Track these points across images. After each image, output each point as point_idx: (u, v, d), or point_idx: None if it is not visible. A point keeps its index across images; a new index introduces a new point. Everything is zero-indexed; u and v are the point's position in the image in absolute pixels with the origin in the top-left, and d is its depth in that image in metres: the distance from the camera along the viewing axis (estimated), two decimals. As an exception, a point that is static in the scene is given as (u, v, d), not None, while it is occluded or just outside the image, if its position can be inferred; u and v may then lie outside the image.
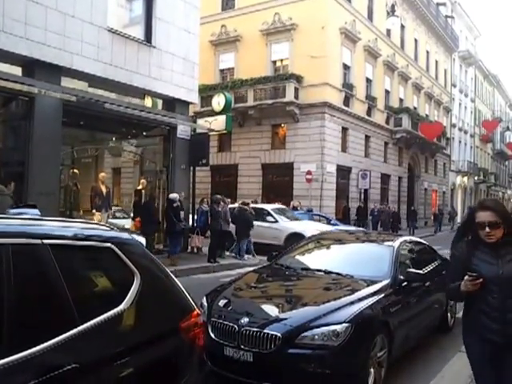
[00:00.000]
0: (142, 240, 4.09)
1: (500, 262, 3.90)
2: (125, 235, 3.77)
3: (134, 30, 17.75)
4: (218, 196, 19.24)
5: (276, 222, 21.67)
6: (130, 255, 3.46)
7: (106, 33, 16.25)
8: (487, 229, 3.88)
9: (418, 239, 10.01)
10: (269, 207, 23.09)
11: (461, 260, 4.08)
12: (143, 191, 19.37)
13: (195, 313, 3.84)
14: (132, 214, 19.14)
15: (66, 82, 15.33)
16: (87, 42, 15.56)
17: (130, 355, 3.12)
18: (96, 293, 3.36)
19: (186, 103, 19.88)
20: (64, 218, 3.89)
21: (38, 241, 2.86)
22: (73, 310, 2.84)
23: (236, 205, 20.94)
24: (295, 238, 17.26)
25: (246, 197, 27.22)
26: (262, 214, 21.54)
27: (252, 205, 21.13)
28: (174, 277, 3.92)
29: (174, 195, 17.46)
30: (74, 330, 2.80)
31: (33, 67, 14.37)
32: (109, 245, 3.36)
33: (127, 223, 19.78)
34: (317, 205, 29.75)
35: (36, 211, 3.47)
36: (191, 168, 20.13)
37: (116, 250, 3.37)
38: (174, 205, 17.10)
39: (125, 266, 3.39)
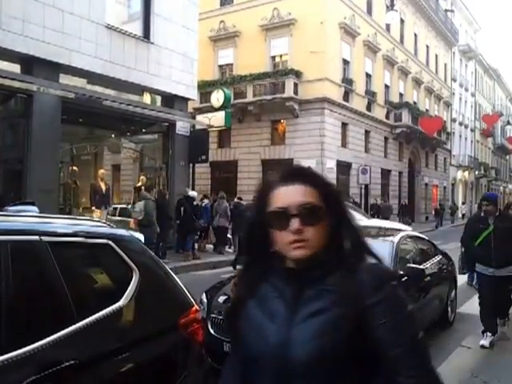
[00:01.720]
0: (141, 237, 4.08)
1: None
2: (123, 232, 3.78)
3: (133, 27, 17.74)
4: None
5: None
6: (129, 252, 3.46)
7: (104, 29, 16.24)
8: None
9: (419, 234, 9.98)
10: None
11: None
12: (143, 188, 19.37)
13: (194, 309, 3.83)
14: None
15: (65, 79, 15.34)
16: (85, 39, 15.56)
17: (129, 351, 3.12)
18: (95, 289, 3.39)
19: (185, 99, 19.87)
20: (62, 215, 3.91)
21: (37, 238, 2.86)
22: (71, 306, 2.83)
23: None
24: None
25: (245, 193, 27.18)
26: None
27: None
28: (172, 273, 3.92)
29: (193, 193, 17.99)
30: (73, 327, 2.80)
31: (31, 64, 14.39)
32: (107, 241, 3.36)
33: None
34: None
35: (35, 208, 3.49)
36: (191, 164, 20.12)
37: (114, 246, 3.37)
38: (194, 203, 17.60)
39: (123, 263, 3.39)
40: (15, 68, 14.27)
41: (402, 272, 7.23)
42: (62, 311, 2.84)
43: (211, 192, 26.48)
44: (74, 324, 2.81)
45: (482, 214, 7.92)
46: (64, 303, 2.83)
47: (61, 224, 3.31)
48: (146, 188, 16.96)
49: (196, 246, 18.57)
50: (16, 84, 13.32)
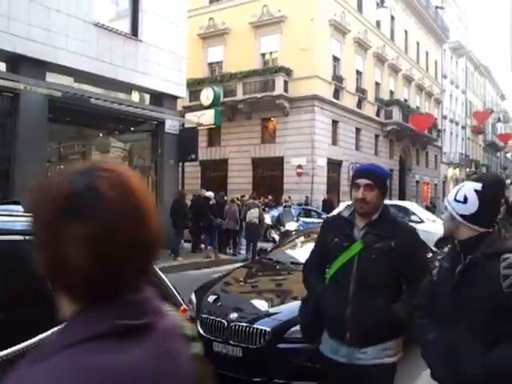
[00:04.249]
0: None
1: None
2: None
3: (120, 24, 17.57)
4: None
5: (422, 222, 18.29)
6: None
7: (91, 27, 16.07)
8: None
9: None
10: (410, 205, 21.27)
11: None
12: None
13: (182, 308, 3.85)
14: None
15: (52, 78, 15.16)
16: (72, 37, 15.38)
17: None
18: None
19: (174, 97, 19.73)
20: None
21: (21, 237, 2.81)
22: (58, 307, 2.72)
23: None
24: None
25: (236, 192, 27.11)
26: (402, 214, 19.01)
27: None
28: (160, 273, 3.93)
29: (209, 193, 18.70)
30: (59, 327, 2.71)
31: (17, 63, 14.22)
32: None
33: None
34: (308, 199, 29.63)
35: (19, 208, 3.44)
36: (180, 163, 20.00)
37: None
38: (211, 202, 18.13)
39: None
40: (1, 66, 14.10)
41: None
42: (48, 312, 2.73)
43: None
44: (61, 325, 2.71)
45: (346, 214, 3.64)
46: (50, 304, 2.69)
47: None
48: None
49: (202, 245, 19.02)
50: (2, 82, 13.17)
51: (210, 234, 17.90)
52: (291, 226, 18.81)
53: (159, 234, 1.16)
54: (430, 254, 8.95)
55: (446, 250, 3.13)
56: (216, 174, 34.39)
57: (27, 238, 2.69)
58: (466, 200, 2.74)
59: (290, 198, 27.09)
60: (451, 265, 2.87)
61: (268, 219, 21.75)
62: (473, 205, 2.71)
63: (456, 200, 2.79)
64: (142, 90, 18.46)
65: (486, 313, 2.62)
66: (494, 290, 2.58)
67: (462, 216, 2.75)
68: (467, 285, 2.71)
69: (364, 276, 3.35)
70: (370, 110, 38.64)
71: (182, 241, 18.38)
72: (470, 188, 2.76)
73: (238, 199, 21.05)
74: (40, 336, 2.66)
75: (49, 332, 2.68)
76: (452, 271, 2.81)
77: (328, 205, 28.50)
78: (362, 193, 3.37)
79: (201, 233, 18.31)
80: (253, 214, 18.30)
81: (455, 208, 2.79)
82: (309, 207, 27.68)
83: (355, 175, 3.54)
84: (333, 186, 33.37)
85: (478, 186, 2.75)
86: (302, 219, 22.76)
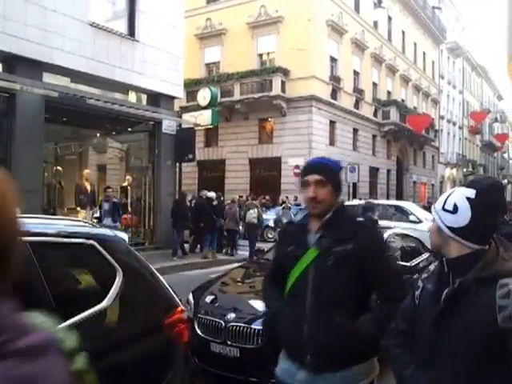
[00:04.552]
0: (125, 237, 4.04)
1: None
2: (107, 232, 3.83)
3: (117, 24, 17.53)
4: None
5: (420, 222, 17.99)
6: (113, 252, 3.47)
7: (87, 27, 16.03)
8: None
9: (406, 232, 9.96)
10: (408, 205, 20.91)
11: None
12: (129, 188, 19.29)
13: (179, 309, 3.85)
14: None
15: (48, 78, 15.12)
16: (69, 37, 15.35)
17: (114, 352, 3.13)
18: (77, 290, 3.43)
19: (171, 98, 19.70)
20: (45, 216, 3.97)
21: None
22: (53, 307, 2.77)
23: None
24: None
25: (233, 192, 27.07)
26: (399, 214, 18.92)
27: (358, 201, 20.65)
28: (157, 273, 3.93)
29: (211, 194, 18.78)
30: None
31: (13, 63, 14.18)
32: (91, 242, 3.36)
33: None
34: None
35: None
36: (177, 164, 19.97)
37: (98, 247, 3.37)
38: (214, 203, 18.26)
39: (107, 263, 3.39)
40: (-3, 66, 14.09)
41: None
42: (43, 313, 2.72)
43: (198, 192, 26.34)
44: (56, 326, 2.71)
45: (299, 218, 3.50)
46: (45, 304, 2.74)
47: (43, 224, 3.31)
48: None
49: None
50: (-2, 83, 13.14)
51: (211, 235, 17.91)
52: None
53: (13, 240, 1.05)
54: (427, 254, 8.96)
55: (431, 267, 2.52)
56: (213, 175, 34.37)
57: (23, 239, 2.71)
58: (456, 209, 2.25)
59: (287, 198, 27.09)
60: (436, 288, 2.32)
61: (271, 221, 21.83)
62: (464, 216, 2.22)
63: (444, 209, 2.30)
64: (138, 90, 18.43)
65: (476, 352, 2.12)
66: (488, 324, 2.08)
67: (451, 229, 2.26)
68: (454, 315, 2.21)
69: (321, 287, 2.86)
70: (367, 110, 38.64)
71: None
72: (461, 195, 2.27)
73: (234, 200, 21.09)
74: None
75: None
76: (437, 296, 2.27)
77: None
78: (313, 191, 2.90)
79: (202, 233, 18.29)
80: (252, 215, 18.37)
81: (443, 219, 2.29)
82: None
83: (304, 172, 3.02)
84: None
85: (471, 192, 2.26)
86: None
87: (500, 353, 2.07)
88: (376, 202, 19.81)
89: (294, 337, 2.88)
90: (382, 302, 2.92)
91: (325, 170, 2.94)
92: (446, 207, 2.28)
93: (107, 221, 14.85)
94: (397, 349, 2.49)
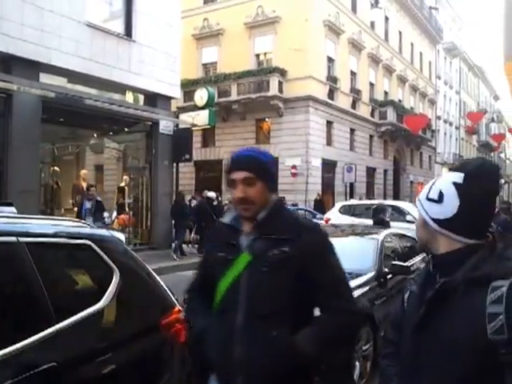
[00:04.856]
0: (122, 237, 4.04)
1: None
2: (103, 232, 3.81)
3: (114, 25, 17.53)
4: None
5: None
6: (109, 252, 3.45)
7: (84, 27, 16.02)
8: None
9: (403, 232, 9.97)
10: (405, 205, 20.77)
11: None
12: (126, 188, 19.28)
13: (176, 309, 3.82)
14: (115, 212, 19.08)
15: (45, 78, 15.11)
16: (66, 37, 15.34)
17: (110, 353, 3.12)
18: (74, 290, 3.40)
19: (168, 98, 19.72)
20: (41, 216, 3.97)
21: (14, 239, 2.82)
22: (50, 308, 2.80)
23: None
24: None
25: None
26: (396, 214, 18.59)
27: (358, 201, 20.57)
28: (154, 273, 3.91)
29: (212, 194, 19.13)
30: (51, 329, 2.77)
31: (10, 63, 14.18)
32: (87, 242, 3.34)
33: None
34: (302, 199, 29.57)
35: (12, 209, 3.46)
36: (174, 164, 19.97)
37: (94, 247, 3.36)
38: (214, 203, 18.53)
39: (103, 264, 3.38)
40: (-6, 67, 14.06)
41: (386, 269, 7.26)
42: (40, 313, 2.80)
43: (195, 192, 26.38)
44: (53, 326, 2.78)
45: (229, 220, 2.71)
46: (42, 305, 2.79)
47: (39, 225, 3.31)
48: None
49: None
50: (-5, 83, 13.13)
51: None
52: None
53: None
54: (424, 254, 8.98)
55: (422, 267, 2.15)
56: (210, 175, 34.28)
57: (20, 239, 2.80)
58: (441, 198, 1.90)
59: (284, 198, 27.04)
60: (421, 290, 1.99)
61: None
62: (451, 205, 1.87)
63: (428, 199, 1.95)
64: (135, 90, 18.43)
65: (463, 365, 1.76)
66: (476, 334, 1.73)
67: (437, 221, 1.91)
68: (438, 322, 1.85)
69: (254, 296, 2.39)
70: (364, 110, 38.64)
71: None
72: (448, 181, 1.92)
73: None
74: (31, 338, 2.65)
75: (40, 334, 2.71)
76: (420, 299, 1.94)
77: (319, 205, 28.48)
78: (242, 190, 2.46)
79: (203, 233, 18.32)
80: None
81: (428, 210, 1.95)
82: (303, 207, 27.60)
83: (229, 168, 2.54)
84: (327, 186, 33.35)
85: (459, 176, 1.89)
86: None
87: (492, 368, 1.74)
88: (372, 202, 19.76)
89: (224, 358, 2.42)
90: (326, 315, 2.50)
91: (253, 165, 2.46)
92: (431, 196, 1.94)
93: (89, 220, 14.45)
94: (385, 360, 2.21)
